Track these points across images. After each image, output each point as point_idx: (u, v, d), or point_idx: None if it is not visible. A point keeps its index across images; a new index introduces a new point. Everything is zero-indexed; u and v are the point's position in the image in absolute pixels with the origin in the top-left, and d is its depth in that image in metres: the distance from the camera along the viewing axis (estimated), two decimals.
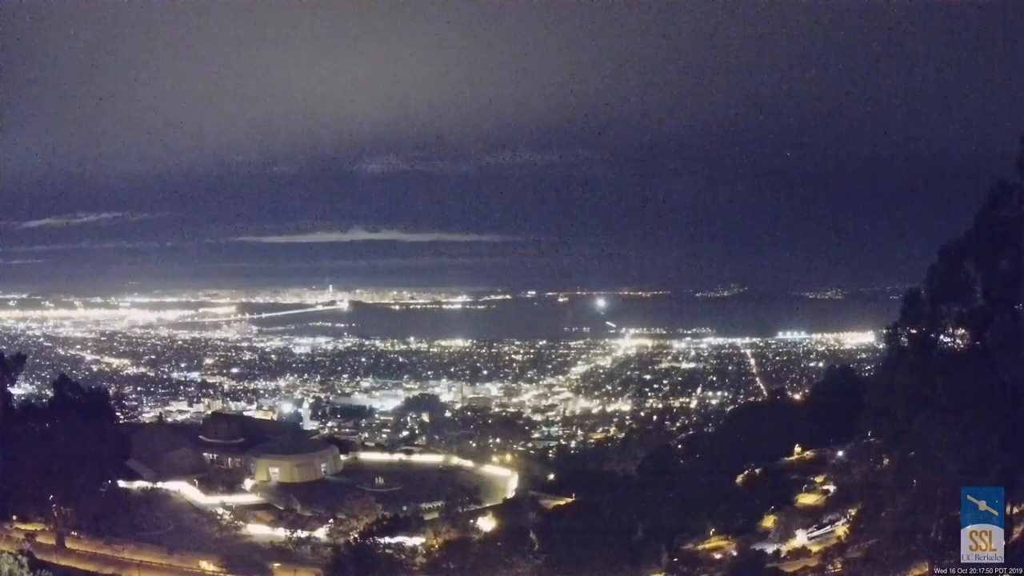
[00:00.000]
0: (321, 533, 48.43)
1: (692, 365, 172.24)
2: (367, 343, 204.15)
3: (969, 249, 27.97)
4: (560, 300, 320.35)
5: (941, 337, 29.49)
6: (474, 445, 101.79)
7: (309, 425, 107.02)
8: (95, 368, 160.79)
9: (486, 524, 50.12)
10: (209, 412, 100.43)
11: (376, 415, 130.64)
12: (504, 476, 66.46)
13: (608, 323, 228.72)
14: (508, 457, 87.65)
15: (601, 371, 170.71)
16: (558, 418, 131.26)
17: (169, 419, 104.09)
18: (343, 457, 67.07)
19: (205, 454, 62.97)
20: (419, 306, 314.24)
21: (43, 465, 42.19)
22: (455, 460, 71.99)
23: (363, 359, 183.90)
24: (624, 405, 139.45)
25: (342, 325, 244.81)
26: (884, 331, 33.04)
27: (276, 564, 42.13)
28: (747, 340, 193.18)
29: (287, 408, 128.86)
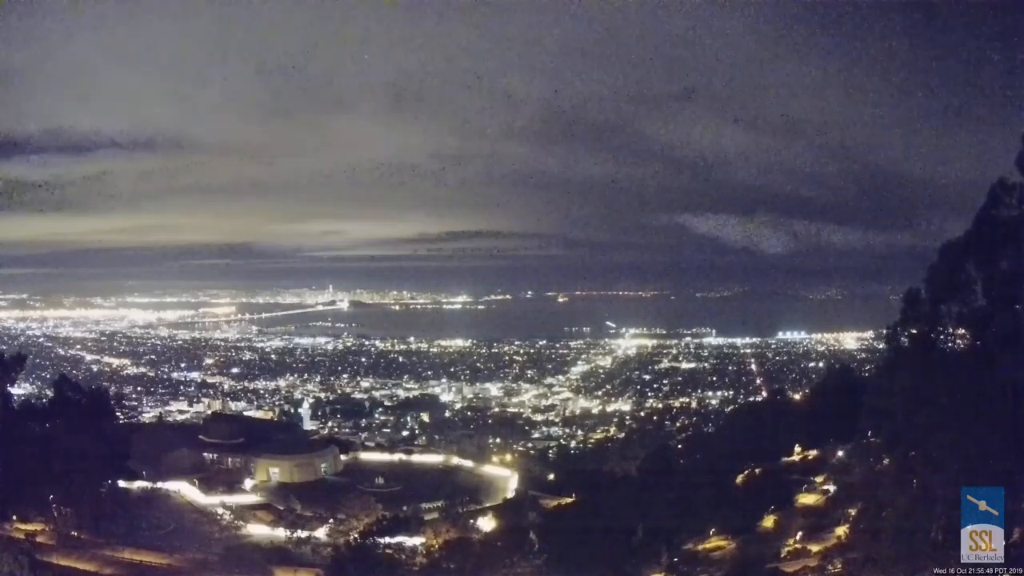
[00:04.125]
0: (321, 533, 48.40)
1: (692, 365, 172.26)
2: (367, 343, 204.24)
3: (969, 249, 27.93)
4: (560, 300, 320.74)
5: (941, 337, 29.44)
6: (474, 445, 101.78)
7: (309, 425, 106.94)
8: (95, 368, 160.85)
9: (486, 524, 50.12)
10: (209, 412, 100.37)
11: (376, 415, 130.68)
12: (504, 476, 66.43)
13: (608, 323, 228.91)
14: (508, 457, 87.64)
15: (601, 371, 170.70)
16: (558, 418, 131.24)
17: (169, 419, 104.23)
18: (343, 457, 67.05)
19: (205, 454, 62.91)
20: (419, 306, 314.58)
21: (43, 465, 42.17)
22: (455, 460, 71.94)
23: (363, 359, 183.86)
24: (624, 405, 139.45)
25: (342, 325, 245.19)
26: (884, 331, 32.97)
27: (276, 564, 42.08)
28: (747, 340, 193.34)
29: (287, 408, 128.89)
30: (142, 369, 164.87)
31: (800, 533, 41.50)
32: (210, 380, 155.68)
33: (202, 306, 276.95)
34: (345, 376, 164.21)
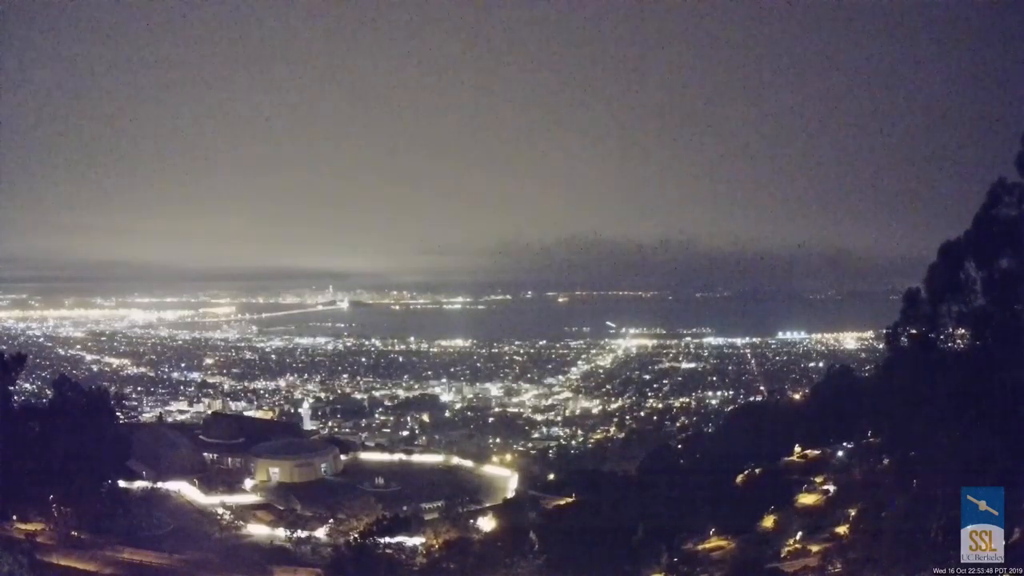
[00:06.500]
0: (321, 533, 48.41)
1: (692, 365, 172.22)
2: (367, 343, 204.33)
3: (969, 248, 27.94)
4: (560, 300, 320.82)
5: (941, 337, 29.44)
6: (474, 445, 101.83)
7: (309, 425, 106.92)
8: (95, 368, 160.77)
9: (486, 524, 50.13)
10: (209, 412, 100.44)
11: (376, 415, 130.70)
12: (504, 476, 66.45)
13: (608, 323, 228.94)
14: (508, 457, 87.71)
15: (601, 371, 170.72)
16: (558, 418, 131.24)
17: (169, 419, 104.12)
18: (343, 457, 67.03)
19: (205, 454, 62.95)
20: (419, 306, 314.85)
21: (43, 465, 42.09)
22: (455, 460, 71.93)
23: (363, 359, 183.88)
24: (624, 405, 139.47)
25: (342, 325, 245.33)
26: (884, 331, 32.98)
27: (276, 564, 42.08)
28: (747, 340, 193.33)
29: (287, 408, 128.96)
30: (142, 369, 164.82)
31: (800, 533, 41.53)
32: (210, 380, 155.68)
33: (202, 306, 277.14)
34: (345, 376, 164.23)
